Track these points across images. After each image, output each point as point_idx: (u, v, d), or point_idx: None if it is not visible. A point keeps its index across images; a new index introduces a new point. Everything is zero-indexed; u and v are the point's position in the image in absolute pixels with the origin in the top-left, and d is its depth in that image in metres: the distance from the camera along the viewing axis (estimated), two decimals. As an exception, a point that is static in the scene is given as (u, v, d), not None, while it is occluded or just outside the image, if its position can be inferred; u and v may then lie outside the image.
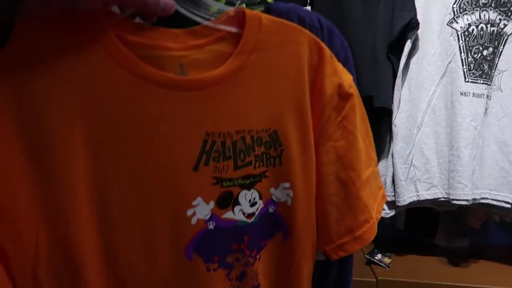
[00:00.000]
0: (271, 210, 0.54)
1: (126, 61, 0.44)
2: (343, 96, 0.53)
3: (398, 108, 1.04)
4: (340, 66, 0.54)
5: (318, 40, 0.52)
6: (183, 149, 0.47)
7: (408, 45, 1.02)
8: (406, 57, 1.03)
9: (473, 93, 1.03)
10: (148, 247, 0.48)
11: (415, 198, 1.06)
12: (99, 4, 0.41)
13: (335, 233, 0.56)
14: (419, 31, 1.03)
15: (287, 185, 0.53)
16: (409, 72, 1.05)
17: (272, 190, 0.53)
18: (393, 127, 1.05)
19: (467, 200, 1.02)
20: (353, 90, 0.54)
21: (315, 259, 0.58)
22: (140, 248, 0.48)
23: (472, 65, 1.04)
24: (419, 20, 1.01)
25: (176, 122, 0.46)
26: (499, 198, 1.05)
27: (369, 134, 0.60)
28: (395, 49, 1.02)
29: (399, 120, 1.04)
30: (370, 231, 0.57)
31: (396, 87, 1.03)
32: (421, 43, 1.04)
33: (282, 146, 0.52)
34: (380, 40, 1.01)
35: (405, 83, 1.05)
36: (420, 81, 1.05)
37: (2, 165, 0.41)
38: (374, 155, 0.60)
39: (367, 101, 0.98)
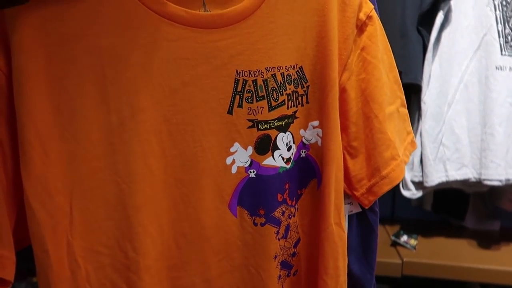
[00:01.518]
0: (303, 154, 0.53)
1: (151, 1, 0.44)
2: (361, 26, 0.52)
3: (428, 84, 0.99)
4: None
5: None
6: (215, 90, 0.46)
7: (440, 17, 0.96)
8: (437, 30, 0.97)
9: (510, 67, 0.97)
10: (192, 205, 0.47)
11: (444, 179, 1.02)
12: None
13: (365, 175, 0.55)
14: (452, 2, 0.97)
15: (315, 123, 0.52)
16: (440, 46, 0.99)
17: (302, 131, 0.52)
18: (422, 104, 1.00)
19: (500, 181, 0.98)
20: (372, 19, 0.53)
21: (351, 210, 0.57)
22: (184, 208, 0.47)
23: (509, 37, 0.98)
24: (453, -10, 0.96)
25: (205, 62, 0.46)
26: (535, 178, 1.00)
27: (394, 69, 0.57)
28: (426, 22, 0.97)
29: (429, 97, 1.00)
30: (398, 169, 0.55)
31: (426, 62, 0.98)
32: (454, 15, 0.99)
33: (308, 82, 0.51)
34: (409, 12, 0.95)
35: (436, 58, 1.00)
36: (452, 56, 0.99)
37: (32, 120, 0.41)
38: (400, 93, 0.58)
39: (395, 76, 0.95)
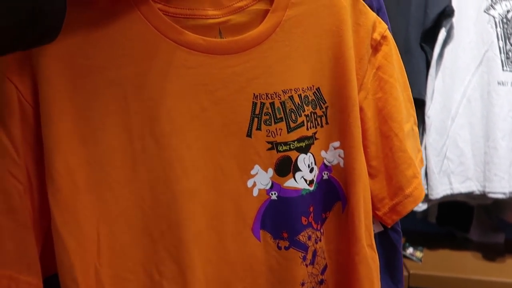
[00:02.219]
0: (325, 176, 0.53)
1: (168, 29, 0.45)
2: (376, 46, 0.52)
3: (432, 98, 1.01)
4: (373, 15, 0.53)
5: None
6: (234, 114, 0.47)
7: (442, 33, 0.99)
8: (440, 46, 1.00)
9: (511, 82, 0.99)
10: (215, 229, 0.47)
11: (448, 192, 1.04)
12: None
13: (387, 195, 0.54)
14: (454, 19, 1.00)
15: (336, 144, 0.52)
16: (443, 62, 1.02)
17: (323, 153, 0.52)
18: (426, 119, 1.02)
19: (504, 193, 0.99)
20: (386, 39, 0.53)
21: (373, 230, 0.55)
22: (208, 232, 0.46)
23: (510, 53, 1.00)
24: (454, 7, 0.98)
25: (223, 87, 0.46)
26: (539, 191, 1.01)
27: (408, 88, 0.58)
28: (429, 38, 1.00)
29: (433, 111, 1.02)
30: (420, 187, 0.55)
31: (429, 77, 1.01)
32: (456, 31, 1.01)
33: (327, 103, 0.51)
34: (413, 29, 0.98)
35: (439, 73, 1.02)
36: (455, 71, 1.02)
37: (60, 150, 0.42)
38: (413, 112, 0.58)
39: (400, 91, 0.97)
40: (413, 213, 1.16)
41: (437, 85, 1.02)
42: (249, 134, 0.48)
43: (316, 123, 0.51)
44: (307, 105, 0.50)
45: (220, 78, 0.46)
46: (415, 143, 0.57)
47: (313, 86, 0.50)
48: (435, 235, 1.30)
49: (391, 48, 0.54)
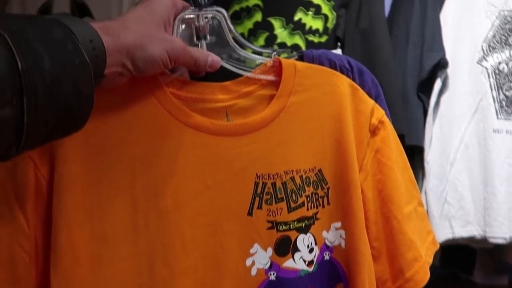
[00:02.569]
0: (326, 257, 0.53)
1: (179, 112, 0.48)
2: (374, 130, 0.55)
3: (430, 145, 1.05)
4: (371, 102, 0.56)
5: (349, 79, 0.56)
6: (236, 193, 0.49)
7: (438, 84, 1.04)
8: (436, 95, 1.04)
9: (506, 130, 1.03)
10: None
11: (450, 236, 1.05)
12: (161, 69, 0.46)
13: (389, 277, 0.54)
14: (448, 70, 1.04)
15: (338, 224, 0.53)
16: (440, 110, 1.06)
17: (324, 233, 0.53)
18: (426, 164, 1.05)
19: (504, 238, 1.00)
20: (384, 124, 0.56)
21: None
22: None
23: (504, 102, 1.04)
24: (448, 59, 1.03)
25: (227, 166, 0.49)
26: (539, 235, 1.03)
27: (408, 169, 0.59)
28: (425, 88, 1.04)
29: (431, 157, 1.05)
30: (422, 271, 0.55)
31: (427, 125, 1.04)
32: (451, 81, 1.06)
33: (328, 184, 0.53)
34: (410, 79, 1.03)
35: (436, 121, 1.06)
36: (451, 118, 1.05)
37: (67, 224, 0.44)
38: (416, 193, 0.59)
39: (399, 139, 1.00)
40: (416, 256, 1.17)
41: (434, 132, 1.05)
42: (250, 213, 0.49)
43: (318, 204, 0.52)
44: (308, 186, 0.52)
45: (225, 158, 0.49)
46: (421, 224, 0.57)
47: (315, 167, 0.52)
48: (439, 277, 1.29)
49: (389, 132, 0.56)
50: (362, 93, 0.55)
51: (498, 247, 1.18)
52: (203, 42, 0.51)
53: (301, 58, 0.58)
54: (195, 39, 0.51)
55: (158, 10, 0.46)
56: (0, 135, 0.31)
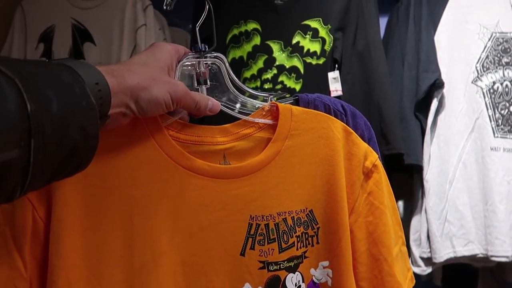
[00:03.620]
0: None
1: (178, 155, 0.50)
2: (367, 173, 0.56)
3: (429, 164, 1.06)
4: (365, 145, 0.57)
5: (343, 124, 0.57)
6: (230, 234, 0.51)
7: (434, 103, 1.06)
8: (433, 115, 1.06)
9: (503, 148, 1.04)
10: None
11: (452, 255, 1.05)
12: (163, 110, 0.48)
13: None
14: (444, 90, 1.07)
15: (325, 263, 0.55)
16: (437, 129, 1.08)
17: (312, 270, 0.55)
18: (425, 183, 1.06)
19: (507, 257, 1.01)
20: (377, 167, 0.57)
21: None
22: None
23: (500, 121, 1.06)
24: (444, 80, 1.06)
25: (223, 208, 0.51)
26: (540, 253, 1.03)
27: (396, 212, 0.61)
28: (422, 108, 1.06)
29: (431, 176, 1.06)
30: None
31: (425, 144, 1.06)
32: (447, 101, 1.08)
33: (318, 224, 0.54)
34: (406, 100, 1.05)
35: (434, 140, 1.07)
36: (449, 137, 1.07)
37: (64, 267, 0.44)
38: (401, 233, 0.61)
39: (398, 158, 1.02)
40: (418, 276, 1.17)
41: (433, 150, 1.07)
42: (243, 253, 0.51)
43: (307, 242, 0.54)
44: (299, 226, 0.54)
45: (221, 200, 0.51)
46: (403, 263, 0.60)
47: (306, 208, 0.54)
48: (442, 298, 1.28)
49: (381, 176, 0.57)
50: (355, 136, 0.57)
51: (499, 267, 1.17)
52: (203, 87, 0.54)
53: (296, 102, 0.60)
54: (195, 84, 0.54)
55: (161, 55, 0.48)
56: (8, 176, 0.31)
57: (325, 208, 0.54)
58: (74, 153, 0.36)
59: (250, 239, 0.51)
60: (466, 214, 1.05)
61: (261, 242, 0.52)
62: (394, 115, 1.01)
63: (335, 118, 0.57)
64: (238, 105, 0.56)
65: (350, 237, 0.55)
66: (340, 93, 1.01)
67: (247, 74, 1.06)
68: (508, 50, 1.08)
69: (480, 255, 1.04)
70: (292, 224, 0.53)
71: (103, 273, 0.46)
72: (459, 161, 1.06)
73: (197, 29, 0.55)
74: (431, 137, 1.07)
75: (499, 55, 1.08)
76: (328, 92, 1.03)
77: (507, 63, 1.07)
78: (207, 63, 0.54)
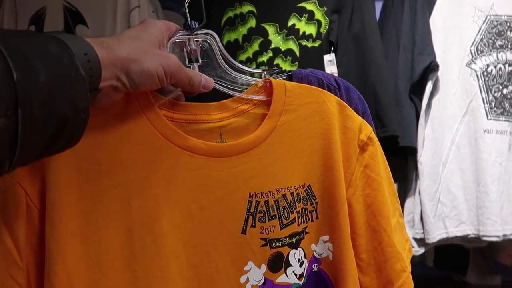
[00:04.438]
0: (315, 268, 0.55)
1: (172, 135, 0.49)
2: (363, 146, 0.56)
3: (423, 146, 1.07)
4: (359, 118, 0.57)
5: (337, 97, 0.57)
6: (230, 212, 0.50)
7: (429, 86, 1.06)
8: (428, 98, 1.07)
9: (496, 130, 1.06)
10: None
11: (444, 235, 1.07)
12: (156, 85, 0.46)
13: (376, 287, 0.56)
14: (439, 73, 1.07)
15: (326, 238, 0.55)
16: (431, 112, 1.09)
17: (313, 246, 0.55)
18: (419, 165, 1.07)
19: (497, 236, 1.03)
20: (372, 140, 0.57)
21: None
22: None
23: (493, 103, 1.07)
24: (438, 62, 1.06)
25: (221, 187, 0.50)
26: (530, 233, 1.05)
27: (392, 184, 0.61)
28: (417, 90, 1.07)
29: (424, 158, 1.07)
30: (408, 281, 0.57)
31: (419, 126, 1.07)
32: (441, 84, 1.08)
33: (317, 199, 0.54)
34: (401, 82, 1.05)
35: (428, 122, 1.08)
36: (443, 120, 1.08)
37: (61, 253, 0.44)
38: (398, 205, 0.61)
39: (393, 140, 1.02)
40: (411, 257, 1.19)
41: (427, 133, 1.08)
42: (244, 231, 0.50)
43: (307, 218, 0.54)
44: (299, 202, 0.53)
45: (219, 178, 0.50)
46: (401, 234, 0.60)
47: (304, 184, 0.54)
48: (433, 278, 1.31)
49: (377, 149, 0.57)
50: (349, 110, 0.57)
51: (490, 247, 1.20)
52: (195, 65, 0.53)
53: (290, 77, 0.60)
54: (187, 62, 0.52)
55: (152, 30, 0.47)
56: None
57: (322, 183, 0.54)
58: (64, 127, 0.35)
59: (251, 217, 0.51)
60: (458, 196, 1.07)
61: (262, 219, 0.51)
62: (389, 98, 1.01)
63: (328, 92, 0.57)
64: (231, 82, 0.55)
65: (349, 210, 0.55)
66: (336, 75, 1.01)
67: (243, 57, 1.06)
68: (502, 33, 1.08)
69: (472, 236, 1.06)
70: (292, 200, 0.53)
71: (103, 258, 0.45)
72: (453, 144, 1.08)
73: (186, 5, 0.53)
74: (426, 120, 1.08)
75: (493, 38, 1.08)
76: (324, 75, 1.03)
77: (501, 46, 1.08)
78: (198, 40, 0.53)
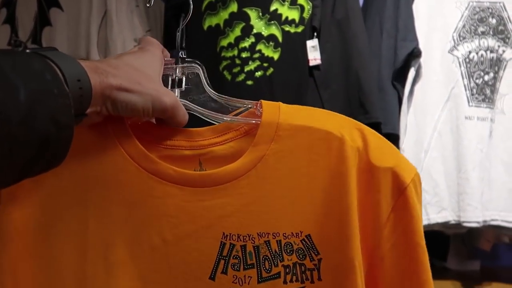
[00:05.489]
0: None
1: (140, 157, 0.44)
2: (403, 190, 0.44)
3: (405, 133, 1.07)
4: (396, 153, 0.46)
5: (356, 121, 0.46)
6: (198, 252, 0.44)
7: (412, 73, 1.06)
8: (410, 84, 1.07)
9: (477, 116, 1.06)
10: None
11: (425, 222, 1.07)
12: (140, 118, 0.45)
13: None
14: (421, 59, 1.07)
15: None
16: (414, 99, 1.09)
17: None
18: (401, 152, 1.07)
19: (477, 222, 1.04)
20: (415, 183, 0.45)
21: None
22: None
23: (474, 90, 1.07)
24: (421, 49, 1.06)
25: (190, 221, 0.44)
26: (509, 219, 1.07)
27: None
28: (400, 77, 1.07)
29: (407, 145, 1.07)
30: None
31: (402, 113, 1.07)
32: (424, 70, 1.08)
33: (320, 254, 0.43)
34: (384, 69, 1.05)
35: (411, 109, 1.08)
36: (425, 107, 1.08)
37: (11, 271, 0.42)
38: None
39: (375, 127, 1.02)
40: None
41: (409, 120, 1.08)
42: (212, 277, 0.43)
43: (304, 277, 0.44)
44: (289, 254, 0.44)
45: (188, 211, 0.43)
46: None
47: (300, 232, 0.43)
48: (415, 265, 1.32)
49: (415, 194, 0.45)
50: (379, 139, 0.45)
51: (470, 233, 1.22)
52: (176, 90, 0.48)
53: None
54: (169, 87, 0.48)
55: (153, 61, 0.45)
56: None
57: (331, 234, 0.43)
58: (47, 145, 0.34)
59: (222, 261, 0.43)
60: (440, 182, 1.07)
61: (236, 266, 0.43)
62: (373, 84, 1.01)
63: (342, 115, 0.47)
64: (215, 110, 0.49)
65: (374, 275, 0.45)
66: (319, 61, 1.00)
67: (224, 43, 1.03)
68: (484, 19, 1.09)
69: (453, 222, 1.07)
70: (277, 250, 0.44)
71: (55, 278, 0.42)
72: (435, 131, 1.08)
73: (178, 34, 0.49)
74: (408, 106, 1.08)
75: (475, 24, 1.08)
76: (306, 60, 1.01)
77: (482, 32, 1.08)
78: (183, 71, 0.49)
